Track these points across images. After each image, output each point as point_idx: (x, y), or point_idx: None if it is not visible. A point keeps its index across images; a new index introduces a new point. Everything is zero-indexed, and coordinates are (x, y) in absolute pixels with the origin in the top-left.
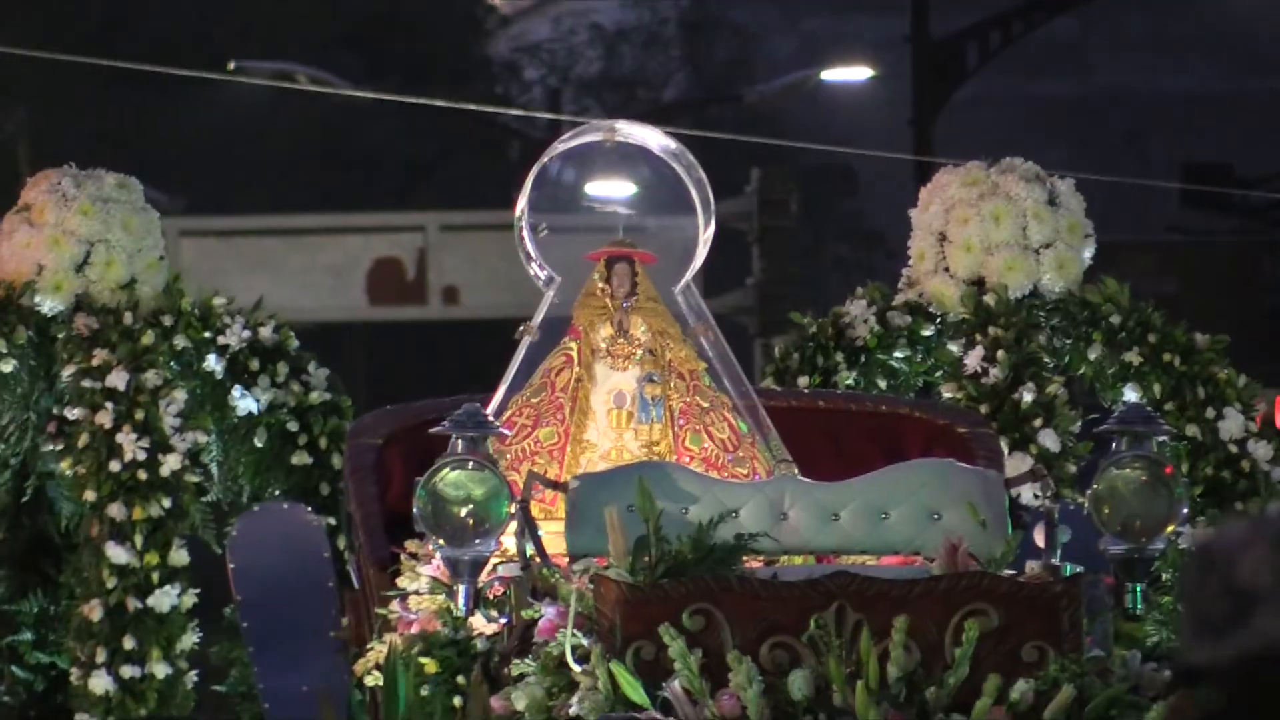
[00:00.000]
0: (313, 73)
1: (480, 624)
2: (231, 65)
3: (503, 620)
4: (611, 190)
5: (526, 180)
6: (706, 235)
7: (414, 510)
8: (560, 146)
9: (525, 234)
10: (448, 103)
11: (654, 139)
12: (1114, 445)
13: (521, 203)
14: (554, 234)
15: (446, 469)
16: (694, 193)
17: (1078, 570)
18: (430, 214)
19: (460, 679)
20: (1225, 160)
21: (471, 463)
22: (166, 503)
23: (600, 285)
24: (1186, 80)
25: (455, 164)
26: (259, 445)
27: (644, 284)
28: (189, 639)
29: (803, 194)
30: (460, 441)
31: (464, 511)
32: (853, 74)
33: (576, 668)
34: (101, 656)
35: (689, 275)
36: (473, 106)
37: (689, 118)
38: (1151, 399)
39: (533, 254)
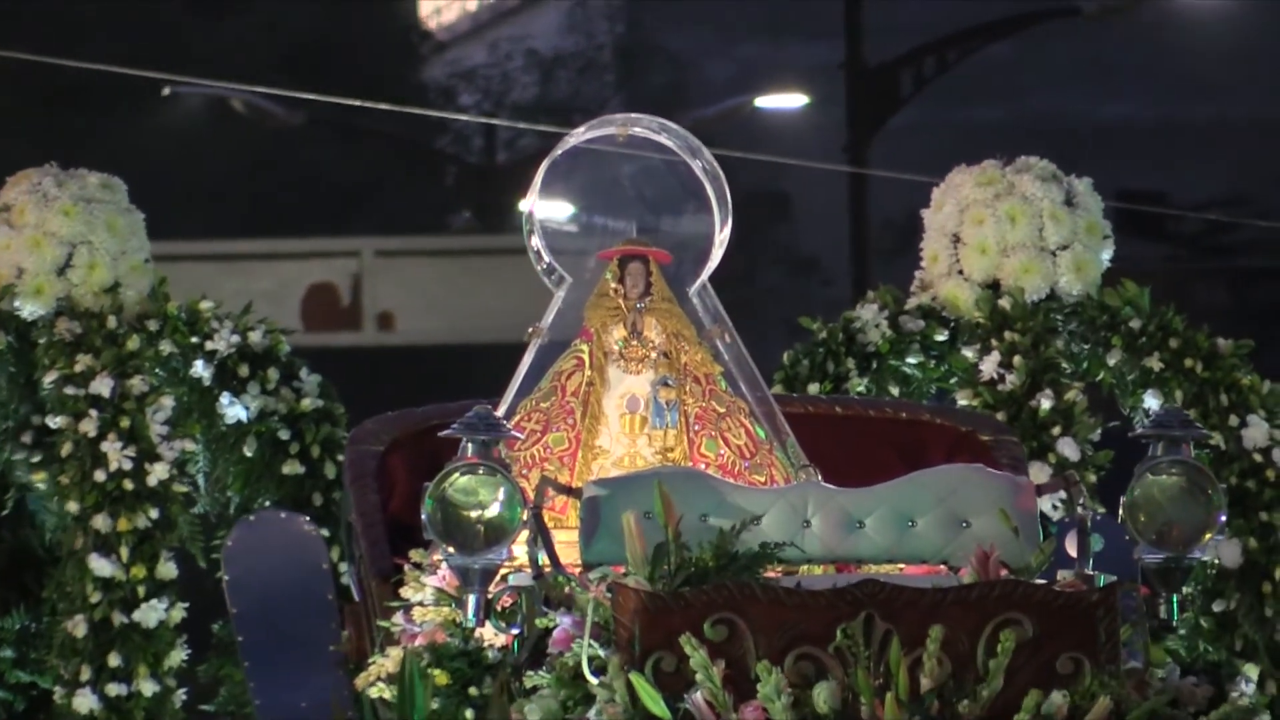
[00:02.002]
0: (249, 97)
1: (490, 635)
2: (166, 91)
3: (514, 631)
4: (624, 187)
5: (536, 177)
6: (724, 234)
7: (422, 517)
8: (571, 141)
9: (534, 232)
10: (391, 106)
11: (670, 134)
12: (1150, 450)
13: (530, 199)
14: (564, 233)
15: (457, 474)
16: (710, 189)
17: (1113, 579)
18: (365, 239)
19: (472, 690)
20: (1159, 187)
21: (483, 467)
22: (154, 513)
23: (613, 285)
24: (1121, 107)
25: (391, 190)
26: (248, 454)
27: (658, 284)
28: (177, 655)
29: (736, 220)
30: (471, 445)
31: (475, 518)
32: (788, 100)
33: (593, 679)
34: (86, 674)
35: (704, 275)
36: (458, 115)
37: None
38: (1173, 405)
39: (542, 253)
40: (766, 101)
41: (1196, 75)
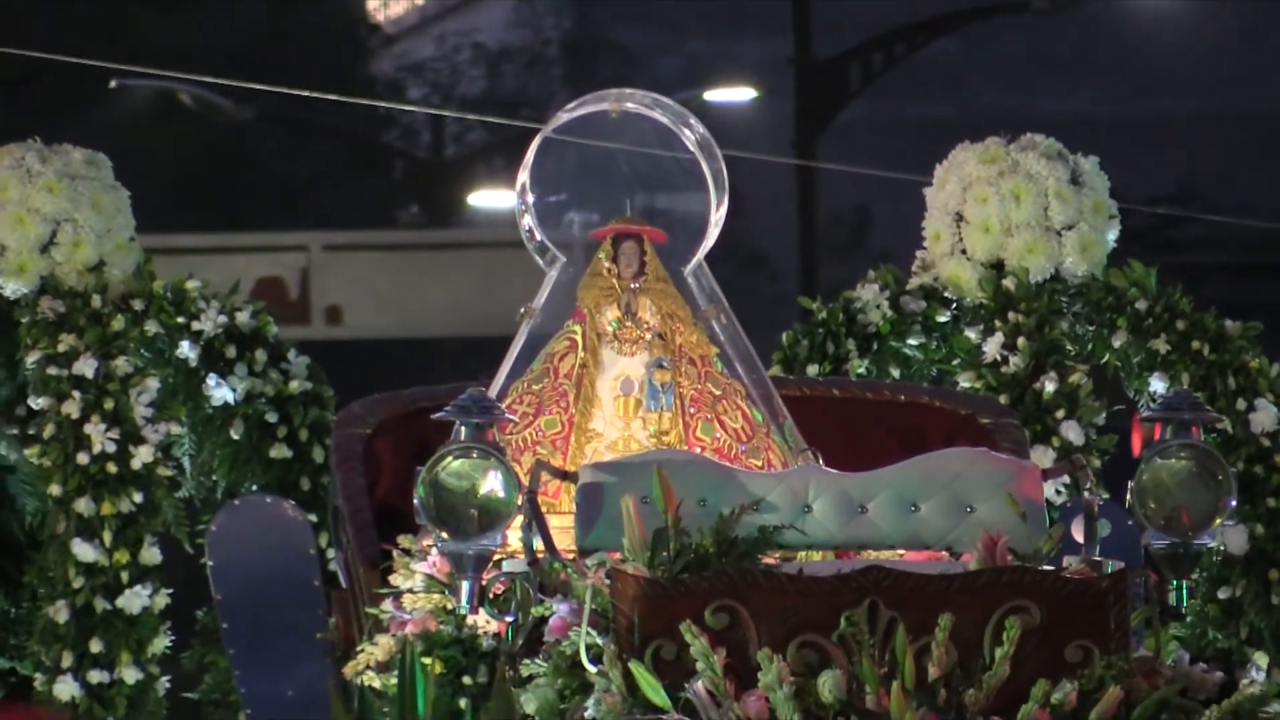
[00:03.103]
0: (197, 90)
1: (484, 622)
2: (114, 84)
3: (507, 619)
4: (617, 164)
5: (527, 154)
6: (720, 212)
7: (415, 502)
8: (564, 116)
9: (527, 211)
10: (343, 98)
11: (664, 110)
12: (1159, 433)
13: (522, 176)
14: (556, 211)
15: (450, 457)
16: (705, 167)
17: (1123, 565)
18: (313, 234)
19: (466, 680)
20: (1108, 182)
21: (477, 450)
22: (138, 497)
23: (606, 265)
24: (1070, 102)
25: (338, 184)
26: (235, 437)
27: (653, 264)
28: (161, 642)
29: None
30: (464, 428)
31: (468, 503)
32: (737, 95)
33: (591, 668)
34: (68, 661)
35: (700, 254)
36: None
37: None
38: (1179, 389)
39: (535, 232)
40: (715, 96)
41: (1145, 70)
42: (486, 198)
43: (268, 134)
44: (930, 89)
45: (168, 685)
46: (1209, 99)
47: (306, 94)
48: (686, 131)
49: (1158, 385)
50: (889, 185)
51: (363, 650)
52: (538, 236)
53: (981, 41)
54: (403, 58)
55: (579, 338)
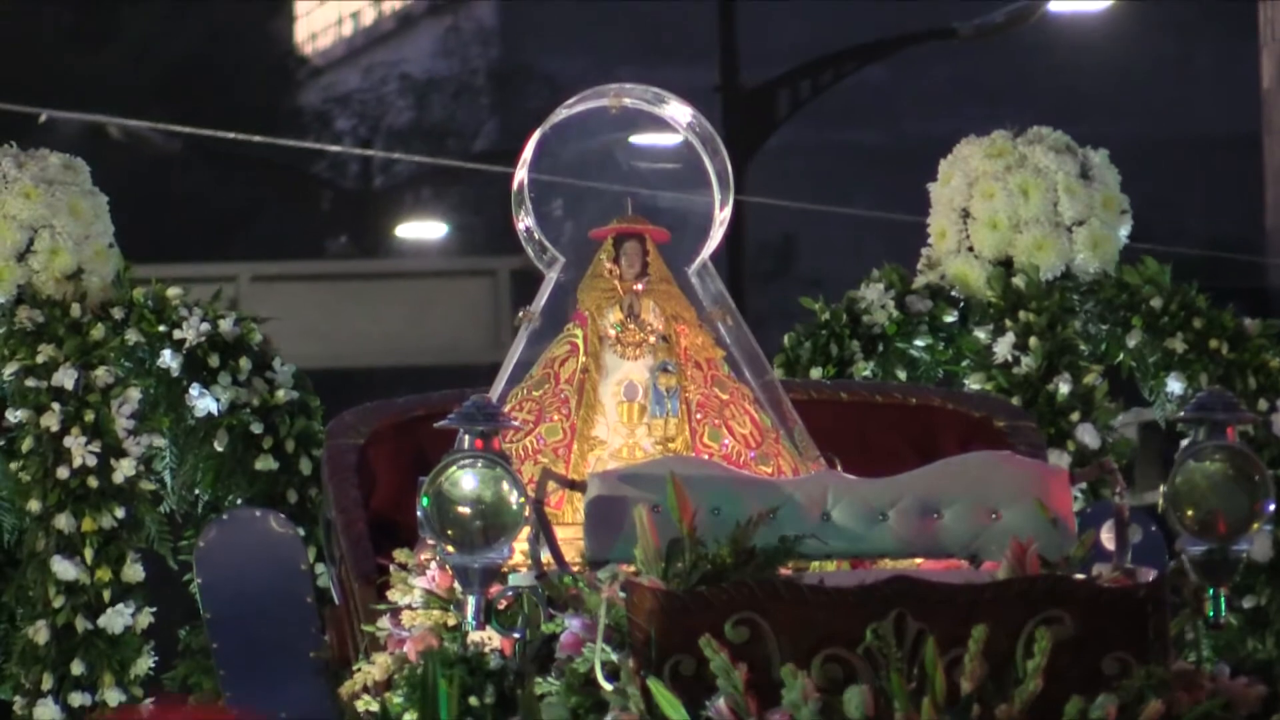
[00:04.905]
0: (125, 124)
1: (488, 639)
2: (43, 117)
3: (515, 635)
4: (618, 162)
5: (525, 151)
6: (725, 211)
7: (417, 514)
8: (563, 113)
9: (525, 210)
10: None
11: (666, 106)
12: (1192, 435)
13: (520, 174)
14: (555, 210)
15: (454, 467)
16: (709, 164)
17: (1159, 572)
18: (242, 264)
19: (473, 700)
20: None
21: (482, 460)
22: (120, 513)
23: (608, 266)
24: (997, 128)
25: (267, 214)
26: (219, 449)
27: (656, 264)
28: (144, 663)
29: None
30: (468, 436)
31: (473, 514)
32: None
33: (607, 685)
34: (48, 683)
35: (705, 253)
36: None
37: (500, 166)
38: (1197, 389)
39: (534, 232)
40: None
41: (1072, 95)
42: (414, 228)
43: (196, 166)
44: (858, 116)
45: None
46: (1137, 121)
47: (231, 136)
48: (689, 128)
49: (1175, 386)
50: (816, 211)
51: (359, 669)
52: (536, 236)
53: (909, 68)
54: (330, 89)
55: (580, 341)
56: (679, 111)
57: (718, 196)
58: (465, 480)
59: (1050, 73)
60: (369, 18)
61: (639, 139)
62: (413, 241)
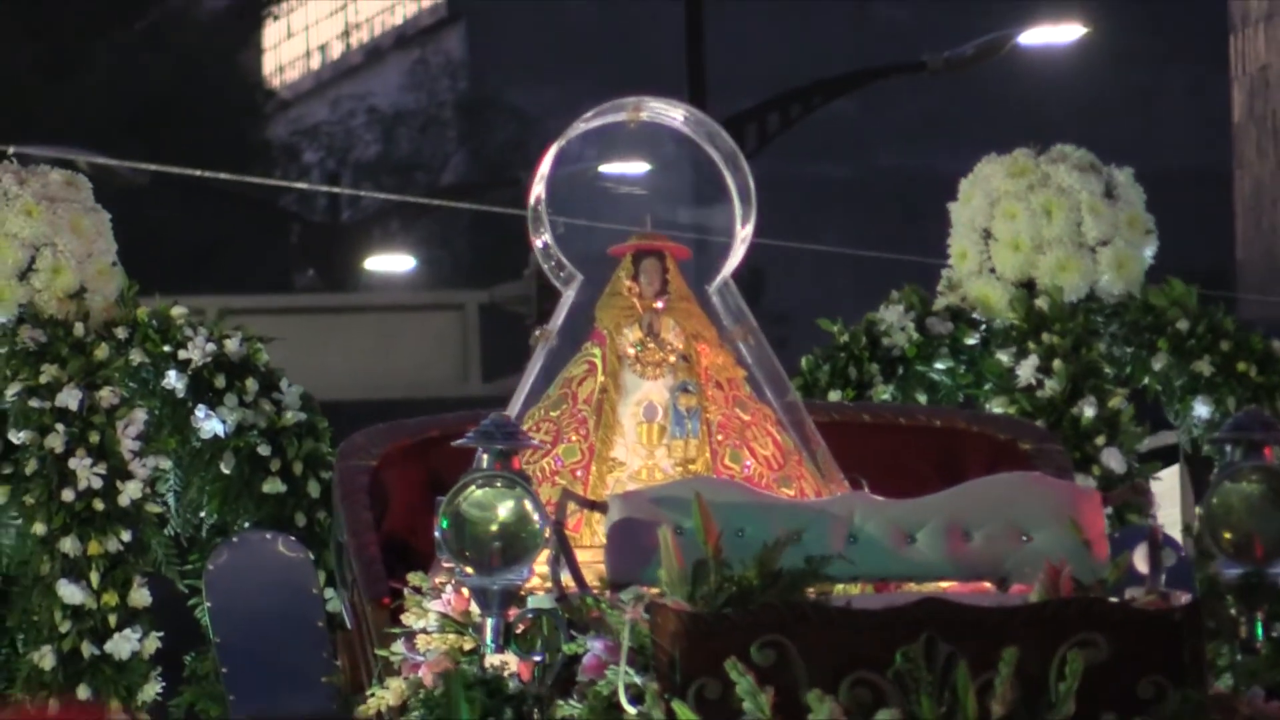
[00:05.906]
0: (94, 158)
1: (507, 662)
2: (11, 150)
3: (535, 658)
4: (637, 177)
5: (542, 165)
6: (747, 228)
7: (435, 535)
8: (581, 126)
9: (542, 226)
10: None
11: (688, 119)
12: (1228, 456)
13: (537, 189)
14: (573, 227)
15: (473, 487)
16: (731, 180)
17: (1195, 596)
18: (211, 298)
19: None
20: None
21: (501, 479)
22: (126, 536)
23: (627, 283)
24: (967, 161)
25: (236, 248)
26: (225, 471)
27: (676, 282)
28: (151, 689)
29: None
30: (486, 455)
31: (493, 535)
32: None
33: (631, 709)
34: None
35: (726, 271)
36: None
37: (468, 200)
38: (1224, 414)
39: (550, 248)
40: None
41: (1040, 127)
42: (382, 261)
43: (165, 200)
44: (827, 149)
45: None
46: (1103, 154)
47: (199, 174)
48: (709, 141)
49: (1201, 410)
50: (783, 247)
51: (373, 694)
52: (554, 253)
53: (877, 101)
54: (298, 122)
55: (598, 361)
56: (700, 125)
57: (739, 212)
58: (484, 500)
59: (1017, 104)
60: (337, 51)
61: (656, 155)
62: (380, 274)
